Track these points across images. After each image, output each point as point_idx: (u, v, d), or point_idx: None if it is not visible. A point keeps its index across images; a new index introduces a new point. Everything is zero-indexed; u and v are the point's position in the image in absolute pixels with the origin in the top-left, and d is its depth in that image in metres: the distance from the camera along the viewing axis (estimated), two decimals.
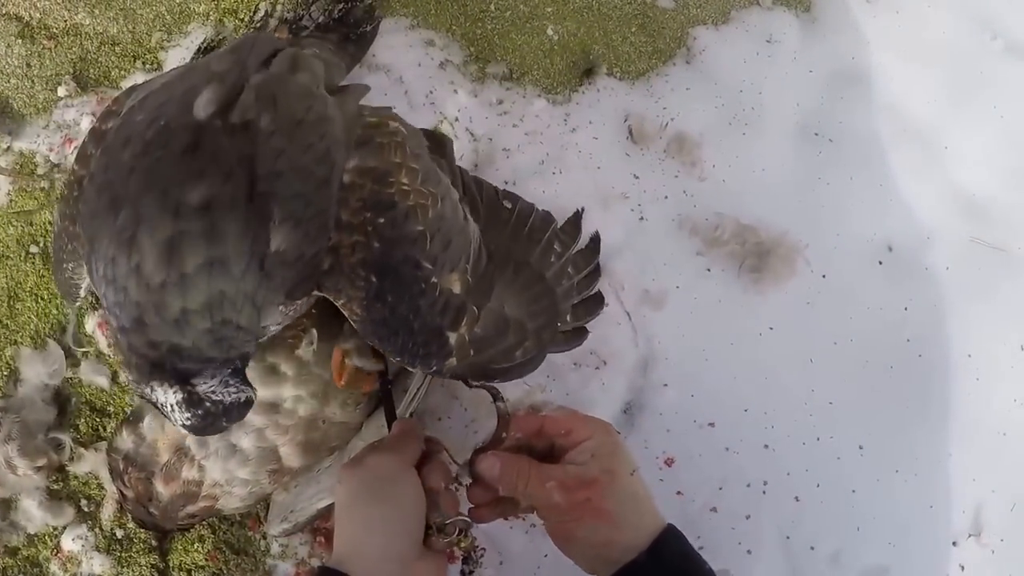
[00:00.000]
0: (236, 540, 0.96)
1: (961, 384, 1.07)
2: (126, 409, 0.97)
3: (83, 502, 0.96)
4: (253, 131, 0.66)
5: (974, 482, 1.04)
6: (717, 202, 1.09)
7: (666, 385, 1.02)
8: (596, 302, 0.98)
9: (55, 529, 0.95)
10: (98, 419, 0.98)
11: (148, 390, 0.63)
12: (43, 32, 1.10)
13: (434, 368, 0.74)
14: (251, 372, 0.79)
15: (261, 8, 1.12)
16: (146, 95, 0.73)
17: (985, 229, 1.13)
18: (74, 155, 0.82)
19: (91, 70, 1.10)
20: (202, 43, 1.09)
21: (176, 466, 0.86)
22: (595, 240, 1.01)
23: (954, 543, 1.02)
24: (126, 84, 1.07)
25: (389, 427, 0.85)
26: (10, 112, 1.07)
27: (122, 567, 0.94)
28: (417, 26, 1.14)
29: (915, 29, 1.20)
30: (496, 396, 0.83)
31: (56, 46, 1.10)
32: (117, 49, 1.11)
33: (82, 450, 0.96)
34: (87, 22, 1.11)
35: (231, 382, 0.64)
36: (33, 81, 1.09)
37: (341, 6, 1.04)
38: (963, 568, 1.01)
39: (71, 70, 1.09)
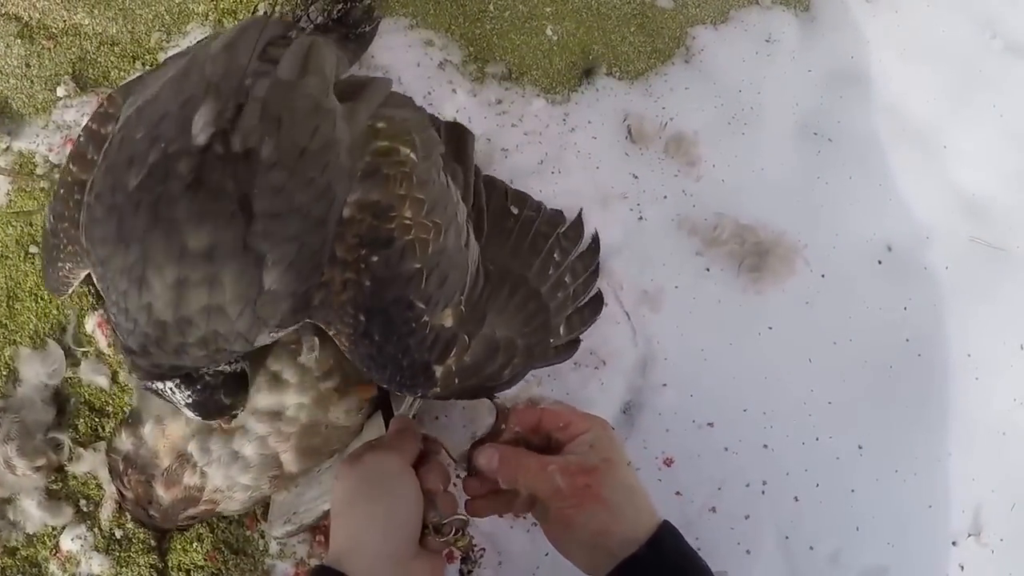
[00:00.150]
0: (235, 540, 0.96)
1: (961, 384, 1.06)
2: (125, 409, 0.97)
3: (82, 502, 0.96)
4: (254, 161, 0.67)
5: (974, 482, 1.03)
6: (716, 202, 1.09)
7: (665, 385, 1.02)
8: (593, 310, 0.98)
9: (54, 529, 0.95)
10: (97, 419, 0.98)
11: (149, 383, 0.73)
12: (42, 32, 1.10)
13: (418, 396, 0.76)
14: (254, 380, 0.84)
15: (260, 8, 1.12)
16: (143, 104, 0.73)
17: (985, 228, 1.12)
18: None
19: (90, 70, 1.10)
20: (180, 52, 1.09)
21: (178, 472, 0.86)
22: (595, 241, 1.01)
23: (954, 543, 1.02)
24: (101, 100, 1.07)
25: (387, 427, 0.85)
26: (9, 112, 1.08)
27: (121, 567, 0.94)
28: (416, 26, 1.14)
29: (915, 28, 1.20)
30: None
31: (55, 46, 1.10)
32: (116, 49, 1.11)
33: (81, 450, 0.96)
34: (86, 22, 1.11)
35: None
36: (32, 81, 1.09)
37: (340, 6, 1.03)
38: (963, 568, 1.01)
39: (70, 70, 1.09)
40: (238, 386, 0.79)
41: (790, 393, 1.03)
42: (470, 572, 0.93)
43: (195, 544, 0.95)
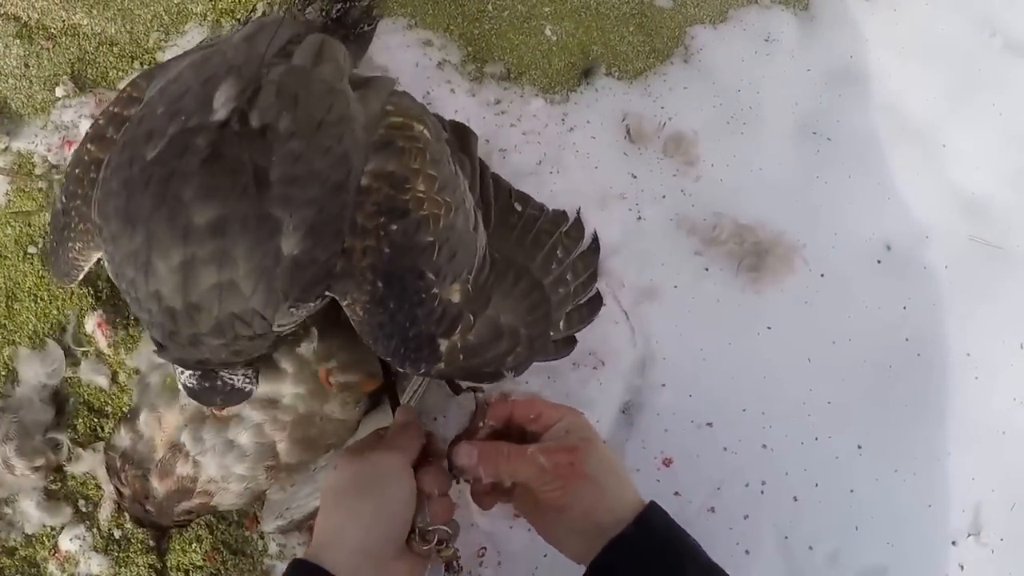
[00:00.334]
0: (234, 540, 0.96)
1: (960, 383, 1.06)
2: (124, 409, 0.98)
3: (81, 502, 0.96)
4: (271, 136, 0.67)
5: (973, 481, 1.03)
6: (715, 201, 1.09)
7: (664, 385, 1.02)
8: (592, 308, 0.99)
9: (53, 529, 0.95)
10: (96, 419, 0.98)
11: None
12: (41, 32, 1.10)
13: (422, 371, 0.75)
14: None
15: (258, 9, 1.13)
16: (166, 84, 0.73)
17: (984, 227, 1.12)
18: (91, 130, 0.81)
19: (89, 71, 1.10)
20: (200, 43, 1.10)
21: (170, 462, 0.86)
22: (595, 241, 1.01)
23: (953, 542, 1.01)
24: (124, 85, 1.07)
25: (394, 411, 0.86)
26: (8, 112, 1.08)
27: (120, 567, 0.94)
28: (415, 26, 1.14)
29: (914, 27, 1.20)
30: (476, 387, 0.84)
31: (54, 46, 1.10)
32: (115, 49, 1.11)
33: (80, 450, 0.96)
34: (85, 22, 1.11)
35: (246, 372, 0.73)
36: (31, 81, 1.09)
37: (338, 6, 1.03)
38: (962, 568, 1.01)
39: (69, 70, 1.09)
40: (237, 401, 0.80)
41: (789, 393, 1.03)
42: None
43: (194, 544, 0.95)
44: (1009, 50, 1.20)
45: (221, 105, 0.67)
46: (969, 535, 1.02)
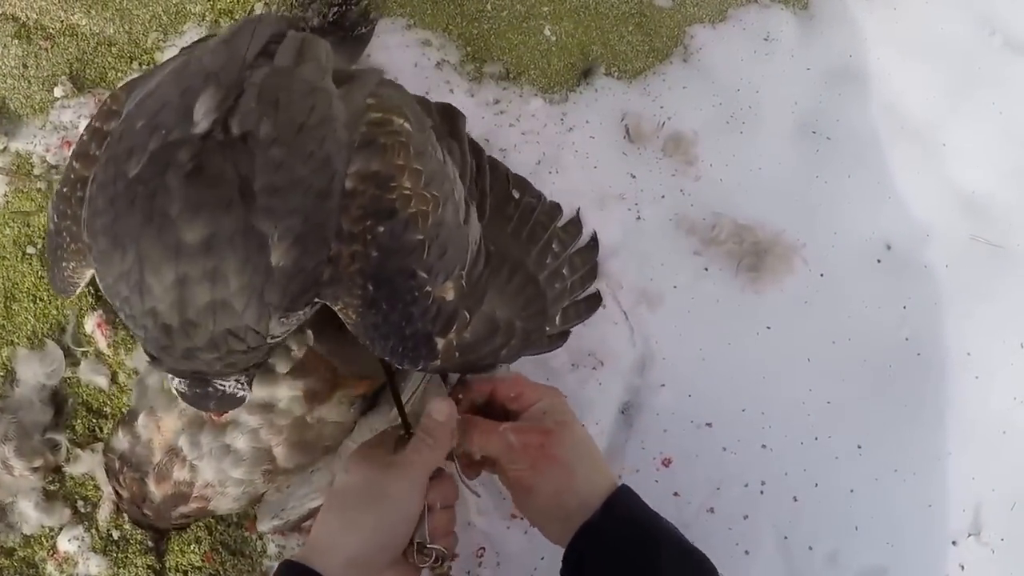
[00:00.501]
0: (233, 541, 0.96)
1: (960, 382, 1.06)
2: (123, 410, 0.98)
3: (79, 503, 0.96)
4: (252, 144, 0.66)
5: (973, 481, 1.03)
6: (714, 201, 1.09)
7: (663, 385, 1.02)
8: (590, 305, 0.99)
9: (51, 530, 0.95)
10: (95, 420, 0.98)
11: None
12: (39, 32, 1.10)
13: (420, 367, 0.75)
14: None
15: (257, 10, 1.13)
16: (144, 96, 0.72)
17: (984, 227, 1.12)
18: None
19: (88, 71, 1.10)
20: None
21: (167, 466, 0.86)
22: (594, 239, 1.01)
23: (953, 542, 1.01)
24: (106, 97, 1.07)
25: (402, 417, 0.84)
26: (6, 113, 1.08)
27: (118, 568, 0.94)
28: (414, 26, 1.13)
29: (913, 26, 1.19)
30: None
31: (52, 46, 1.10)
32: (114, 50, 1.11)
33: (78, 451, 0.96)
34: (83, 23, 1.11)
35: (238, 379, 0.72)
36: (30, 82, 1.09)
37: (336, 9, 1.04)
38: (963, 568, 1.00)
39: (67, 71, 1.09)
40: (231, 407, 0.78)
41: (789, 393, 1.03)
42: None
43: (192, 545, 0.95)
44: (1009, 48, 1.20)
45: (202, 116, 0.67)
46: (969, 535, 1.02)
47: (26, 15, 1.10)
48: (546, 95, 1.13)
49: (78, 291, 0.78)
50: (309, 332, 0.85)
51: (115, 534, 0.95)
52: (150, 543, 0.94)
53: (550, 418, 0.79)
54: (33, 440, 0.94)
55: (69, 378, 0.99)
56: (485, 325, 0.79)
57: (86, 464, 0.96)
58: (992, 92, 1.17)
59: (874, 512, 1.00)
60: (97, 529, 0.95)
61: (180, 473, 0.86)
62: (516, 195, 0.95)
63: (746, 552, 0.97)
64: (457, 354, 0.76)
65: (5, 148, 1.06)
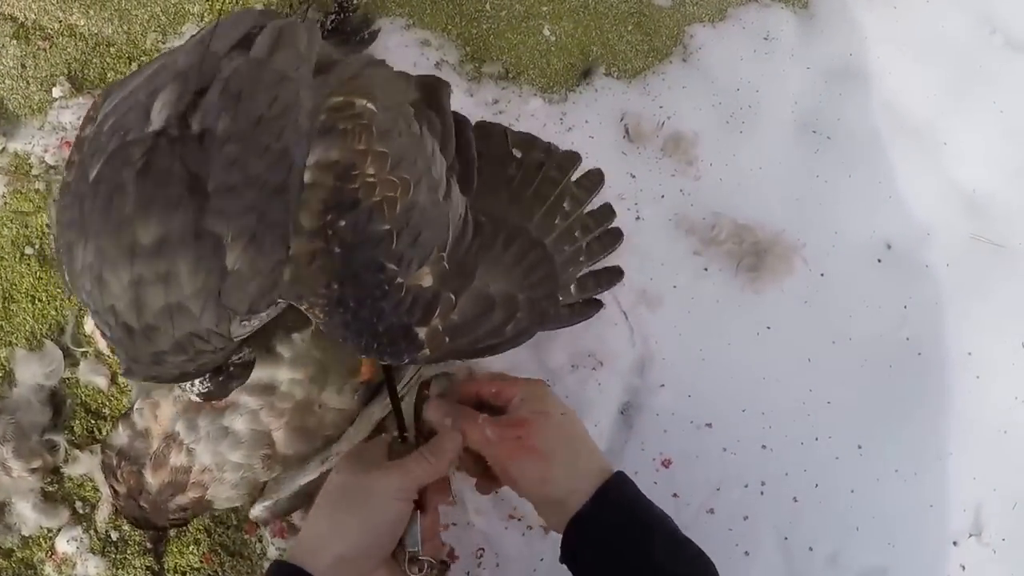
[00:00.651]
0: (231, 542, 0.96)
1: (961, 382, 1.06)
2: (122, 411, 0.97)
3: (78, 504, 0.96)
4: (208, 142, 0.65)
5: (974, 481, 1.03)
6: (714, 201, 1.08)
7: (663, 386, 1.01)
8: (612, 274, 0.93)
9: (49, 531, 0.95)
10: (93, 421, 0.98)
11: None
12: (38, 33, 1.10)
13: (406, 360, 0.72)
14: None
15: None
16: (119, 101, 0.72)
17: (985, 225, 1.12)
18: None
19: (86, 71, 1.10)
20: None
21: (164, 452, 0.85)
22: (607, 206, 0.96)
23: (955, 543, 1.01)
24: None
25: (397, 416, 0.85)
26: (5, 113, 1.08)
27: (117, 569, 0.94)
28: (413, 26, 1.13)
29: (913, 24, 1.19)
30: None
31: (51, 47, 1.10)
32: (112, 50, 1.10)
33: (77, 452, 0.96)
34: (82, 23, 1.11)
35: (203, 379, 0.72)
36: (28, 82, 1.09)
37: (334, 16, 1.04)
38: (964, 568, 1.00)
39: (66, 71, 1.09)
40: (246, 375, 0.78)
41: (789, 393, 1.03)
42: None
43: (191, 547, 0.95)
44: (1009, 47, 1.19)
45: (157, 114, 0.66)
46: (970, 535, 1.01)
47: (24, 15, 1.10)
48: (545, 95, 1.12)
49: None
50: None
51: (114, 535, 0.95)
52: (149, 544, 0.94)
53: (527, 407, 0.79)
54: (31, 441, 0.94)
55: (68, 379, 0.99)
56: (477, 303, 0.76)
57: (84, 465, 0.95)
58: (993, 91, 1.17)
59: (875, 512, 1.00)
60: (96, 530, 0.95)
61: (177, 458, 0.84)
62: (518, 154, 0.91)
63: (746, 553, 0.97)
64: (447, 339, 0.73)
65: (3, 148, 1.06)
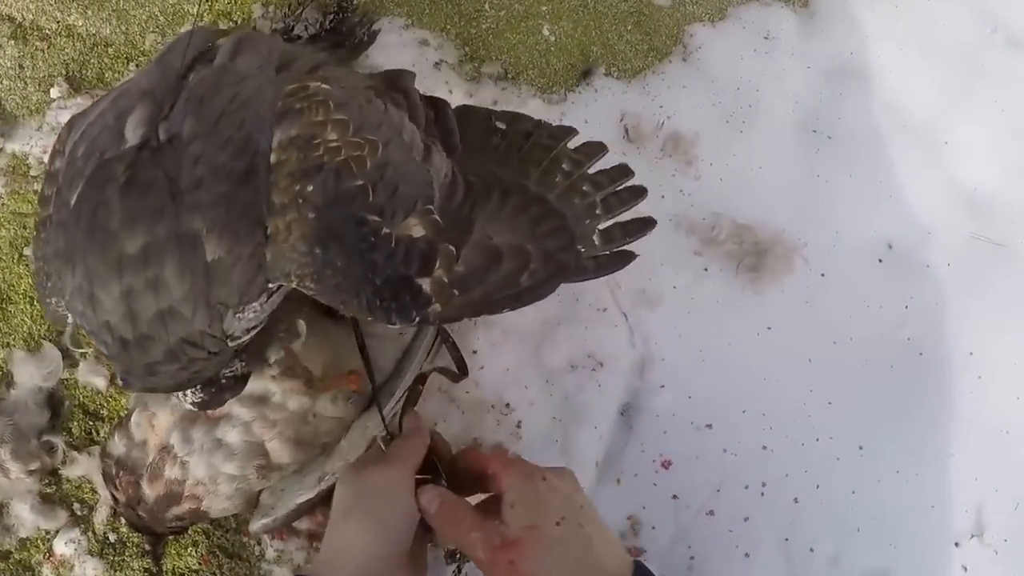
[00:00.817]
0: (230, 545, 0.96)
1: (962, 382, 1.05)
2: (121, 413, 0.97)
3: (76, 506, 0.96)
4: (176, 145, 0.66)
5: (976, 481, 1.02)
6: (714, 201, 1.08)
7: (663, 387, 1.01)
8: (643, 224, 0.89)
9: (47, 533, 0.95)
10: (91, 422, 0.98)
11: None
12: (36, 33, 1.10)
13: (417, 318, 0.70)
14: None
15: (254, 12, 1.12)
16: (86, 128, 0.73)
17: (986, 225, 1.11)
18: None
19: (85, 72, 1.09)
20: None
21: (159, 465, 0.85)
22: (623, 165, 0.91)
23: (956, 544, 1.01)
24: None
25: (383, 419, 0.85)
26: (3, 114, 1.07)
27: (115, 571, 0.94)
28: (411, 26, 1.13)
29: (914, 22, 1.19)
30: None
31: (49, 47, 1.09)
32: (110, 51, 1.10)
33: (75, 454, 0.96)
34: (80, 23, 1.10)
35: (195, 390, 0.72)
36: (26, 82, 1.08)
37: (332, 16, 1.03)
38: (966, 569, 1.00)
39: (64, 71, 1.09)
40: (240, 388, 0.79)
41: (789, 394, 1.02)
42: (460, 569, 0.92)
43: (189, 549, 0.95)
44: (1011, 45, 1.19)
45: (131, 131, 0.67)
46: (972, 536, 1.01)
47: (22, 15, 1.10)
48: (545, 95, 1.12)
49: (69, 320, 0.78)
50: (301, 323, 0.84)
51: (112, 537, 0.95)
52: (147, 546, 0.93)
53: (518, 518, 0.74)
54: (29, 443, 0.94)
55: (67, 380, 0.99)
56: (481, 253, 0.73)
57: (83, 467, 0.95)
58: (994, 89, 1.17)
59: (876, 513, 0.99)
60: (94, 532, 0.95)
61: (171, 471, 0.85)
62: (501, 126, 0.89)
63: (746, 554, 0.97)
64: (456, 291, 0.70)
65: (1, 149, 1.06)
